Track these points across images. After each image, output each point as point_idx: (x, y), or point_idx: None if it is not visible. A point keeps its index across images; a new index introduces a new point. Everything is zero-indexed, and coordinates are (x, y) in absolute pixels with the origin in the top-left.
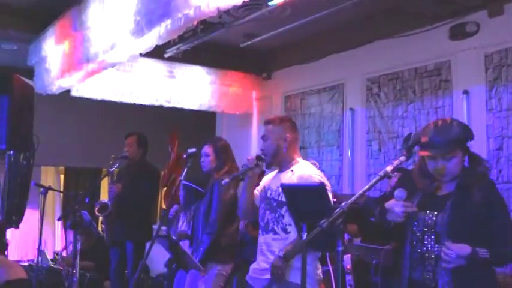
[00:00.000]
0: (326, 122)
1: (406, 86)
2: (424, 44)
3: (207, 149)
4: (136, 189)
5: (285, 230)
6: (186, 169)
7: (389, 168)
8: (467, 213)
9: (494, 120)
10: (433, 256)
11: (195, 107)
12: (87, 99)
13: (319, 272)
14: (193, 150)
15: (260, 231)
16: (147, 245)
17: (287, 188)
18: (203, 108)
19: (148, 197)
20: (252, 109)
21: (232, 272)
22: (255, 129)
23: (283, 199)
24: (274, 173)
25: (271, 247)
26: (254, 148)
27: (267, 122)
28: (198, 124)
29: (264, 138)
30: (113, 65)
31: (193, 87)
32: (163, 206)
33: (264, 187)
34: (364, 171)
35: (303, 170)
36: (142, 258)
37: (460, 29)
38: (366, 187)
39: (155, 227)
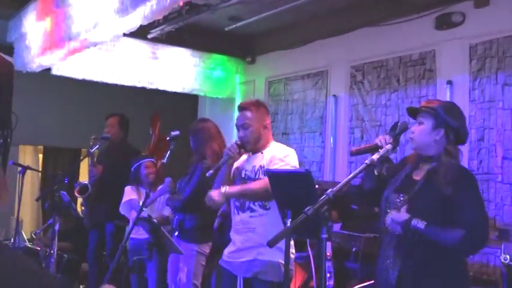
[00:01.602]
0: (309, 108)
1: (390, 75)
2: (409, 33)
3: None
4: (117, 171)
5: (263, 207)
6: (169, 152)
7: (375, 157)
8: (430, 193)
9: (477, 111)
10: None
11: (178, 89)
12: (68, 78)
13: (293, 250)
14: (176, 132)
15: (235, 211)
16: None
17: (272, 174)
18: (186, 91)
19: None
20: (235, 93)
21: (212, 258)
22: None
23: (261, 176)
24: (245, 156)
25: (249, 224)
26: (236, 132)
27: (243, 108)
28: (180, 107)
29: (243, 126)
30: (95, 44)
31: (176, 70)
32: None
33: (237, 168)
34: (346, 158)
35: (274, 151)
36: (121, 240)
37: (445, 18)
38: (352, 175)
39: None
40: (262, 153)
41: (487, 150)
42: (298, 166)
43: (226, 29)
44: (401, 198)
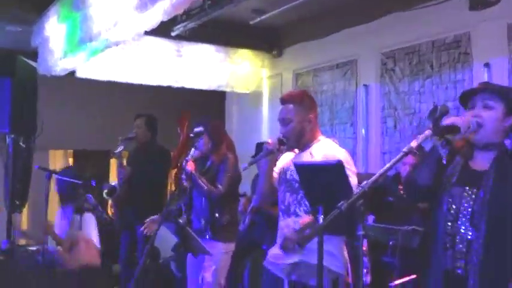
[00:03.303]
0: (339, 99)
1: (423, 60)
2: (442, 16)
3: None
4: (147, 171)
5: (308, 212)
6: (193, 149)
7: (414, 144)
8: (507, 194)
9: None
10: (465, 242)
11: (204, 86)
12: (93, 80)
13: (346, 254)
14: (200, 129)
15: (281, 214)
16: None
17: (300, 167)
18: (212, 87)
19: (159, 180)
20: (262, 87)
21: (243, 256)
22: (266, 108)
23: None
24: (292, 154)
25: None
26: (265, 127)
27: (286, 101)
28: (207, 104)
29: (284, 121)
30: (117, 44)
31: (201, 66)
32: (173, 189)
33: (283, 168)
34: (379, 149)
35: (326, 150)
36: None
37: None
38: (389, 165)
39: None
40: (311, 153)
41: None
42: (354, 170)
43: (251, 22)
44: (473, 196)
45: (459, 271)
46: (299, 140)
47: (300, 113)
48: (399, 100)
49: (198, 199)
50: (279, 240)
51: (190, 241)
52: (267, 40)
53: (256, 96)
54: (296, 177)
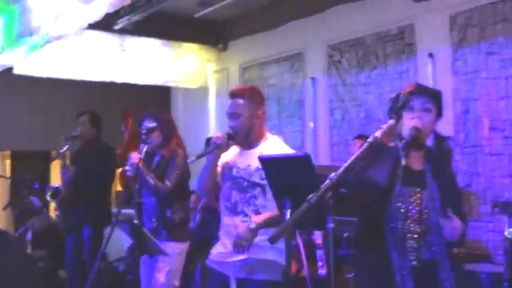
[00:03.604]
0: (286, 92)
1: (368, 52)
2: (386, 8)
3: (150, 123)
4: (92, 170)
5: (257, 212)
6: (144, 145)
7: (378, 134)
8: (445, 188)
9: (460, 83)
10: (415, 236)
11: (149, 82)
12: (32, 77)
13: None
14: (153, 124)
15: (226, 212)
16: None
17: (266, 160)
18: (157, 83)
19: (105, 179)
20: (208, 82)
21: (194, 254)
22: (213, 103)
23: (257, 180)
24: (236, 148)
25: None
26: (212, 123)
27: (235, 95)
28: (152, 100)
29: (233, 115)
30: (58, 38)
31: (146, 61)
32: (118, 188)
33: (228, 164)
34: (328, 141)
35: (275, 149)
36: (100, 243)
37: None
38: (354, 156)
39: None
40: (260, 151)
41: (473, 123)
42: None
43: (196, 15)
44: (418, 195)
45: (414, 263)
46: (248, 135)
47: (250, 108)
48: (346, 92)
49: (148, 198)
50: (223, 238)
51: (146, 242)
52: (212, 34)
53: (203, 91)
54: (245, 175)
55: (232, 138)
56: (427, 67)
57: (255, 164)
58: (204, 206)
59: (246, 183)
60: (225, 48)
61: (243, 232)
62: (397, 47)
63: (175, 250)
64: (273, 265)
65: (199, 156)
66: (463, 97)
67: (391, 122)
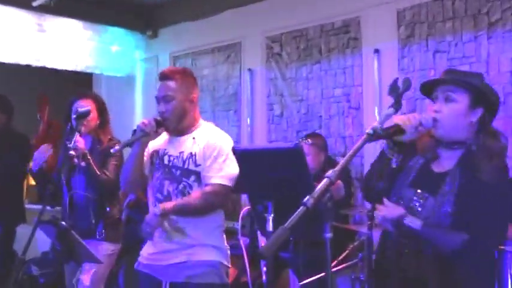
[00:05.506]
0: (221, 84)
1: (311, 45)
2: None
3: (89, 103)
4: (3, 160)
5: None
6: (77, 133)
7: (376, 124)
8: (472, 197)
9: None
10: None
11: (70, 67)
12: None
13: (227, 245)
14: (87, 108)
15: (157, 205)
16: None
17: (242, 153)
18: (79, 68)
19: (17, 171)
20: (135, 71)
21: (118, 256)
22: (139, 94)
23: (191, 167)
24: (165, 135)
25: (176, 224)
26: (139, 114)
27: (167, 77)
28: (72, 87)
29: (164, 99)
30: None
31: (67, 44)
32: (31, 183)
33: (157, 152)
34: (265, 137)
35: (209, 135)
36: (12, 243)
37: None
38: (352, 151)
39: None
40: (194, 138)
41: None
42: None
43: None
44: (420, 196)
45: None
46: (180, 121)
47: (183, 92)
48: (286, 86)
49: (81, 192)
50: (155, 235)
51: (75, 248)
52: (141, 19)
53: (129, 80)
54: (178, 163)
55: (160, 124)
56: (372, 63)
57: (188, 150)
58: (131, 203)
59: (179, 172)
60: (154, 35)
61: (149, 218)
62: (341, 41)
63: (107, 251)
64: (217, 266)
65: (124, 145)
66: (409, 95)
67: (390, 110)
